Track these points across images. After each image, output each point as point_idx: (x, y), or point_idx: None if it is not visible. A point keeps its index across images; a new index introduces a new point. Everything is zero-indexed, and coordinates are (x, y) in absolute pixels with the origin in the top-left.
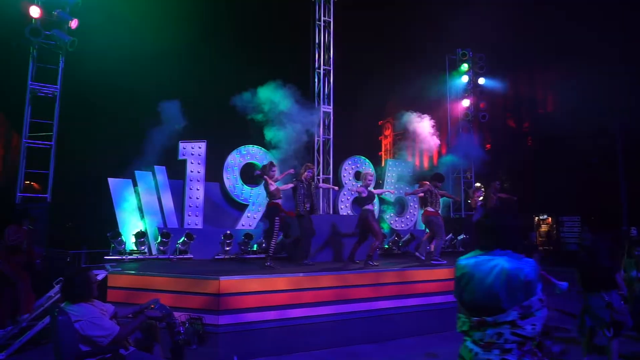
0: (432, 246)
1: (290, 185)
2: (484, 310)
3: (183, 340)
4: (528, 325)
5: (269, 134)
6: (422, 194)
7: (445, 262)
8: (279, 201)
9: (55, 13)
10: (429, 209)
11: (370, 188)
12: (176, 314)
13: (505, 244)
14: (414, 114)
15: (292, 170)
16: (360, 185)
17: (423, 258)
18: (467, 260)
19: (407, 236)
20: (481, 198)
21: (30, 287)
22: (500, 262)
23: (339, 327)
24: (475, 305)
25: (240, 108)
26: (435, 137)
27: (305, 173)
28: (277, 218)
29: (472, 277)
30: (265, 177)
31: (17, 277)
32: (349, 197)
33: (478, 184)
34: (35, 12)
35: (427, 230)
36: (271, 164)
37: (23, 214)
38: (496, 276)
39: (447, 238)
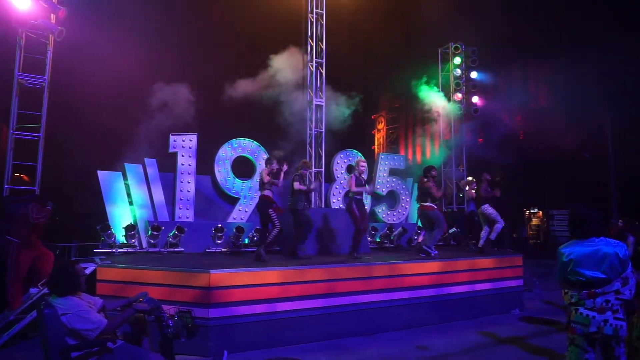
0: (422, 237)
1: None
2: (594, 285)
3: (172, 334)
4: (627, 291)
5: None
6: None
7: (436, 252)
8: (269, 193)
9: (43, 2)
10: (427, 203)
11: (364, 176)
12: (165, 307)
13: (597, 232)
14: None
15: (286, 168)
16: (353, 173)
17: (435, 252)
18: (571, 248)
19: (399, 229)
20: (474, 191)
21: (21, 282)
22: (602, 247)
23: (329, 320)
24: (585, 282)
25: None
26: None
27: (302, 170)
28: (270, 209)
29: (580, 261)
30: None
31: (13, 266)
32: (340, 191)
33: (470, 178)
34: (22, 1)
35: (420, 224)
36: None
37: (45, 194)
38: (602, 258)
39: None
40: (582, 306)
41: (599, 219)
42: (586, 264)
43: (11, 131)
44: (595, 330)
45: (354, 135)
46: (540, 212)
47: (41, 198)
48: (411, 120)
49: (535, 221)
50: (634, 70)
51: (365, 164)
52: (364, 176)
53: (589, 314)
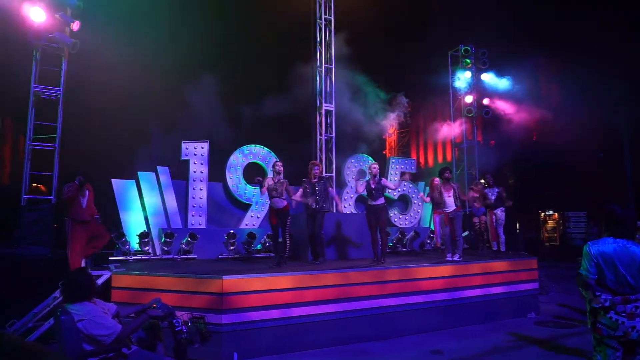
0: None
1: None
2: (628, 289)
3: (186, 339)
4: None
5: None
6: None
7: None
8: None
9: (57, 16)
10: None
11: (378, 177)
12: (178, 313)
13: (630, 234)
14: None
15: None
16: (369, 179)
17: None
18: (603, 247)
19: (412, 233)
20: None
21: (80, 256)
22: (635, 249)
23: (343, 325)
24: (618, 285)
25: None
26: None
27: (313, 170)
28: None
29: (614, 262)
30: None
31: (69, 240)
32: (352, 196)
33: (483, 180)
34: (37, 15)
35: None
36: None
37: (77, 172)
38: (632, 259)
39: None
40: (612, 310)
41: (635, 220)
42: (622, 266)
43: (28, 142)
44: (621, 335)
45: (364, 139)
46: (556, 214)
47: (72, 176)
48: (422, 123)
49: (550, 223)
50: None
51: (377, 167)
52: (378, 177)
53: (618, 318)
